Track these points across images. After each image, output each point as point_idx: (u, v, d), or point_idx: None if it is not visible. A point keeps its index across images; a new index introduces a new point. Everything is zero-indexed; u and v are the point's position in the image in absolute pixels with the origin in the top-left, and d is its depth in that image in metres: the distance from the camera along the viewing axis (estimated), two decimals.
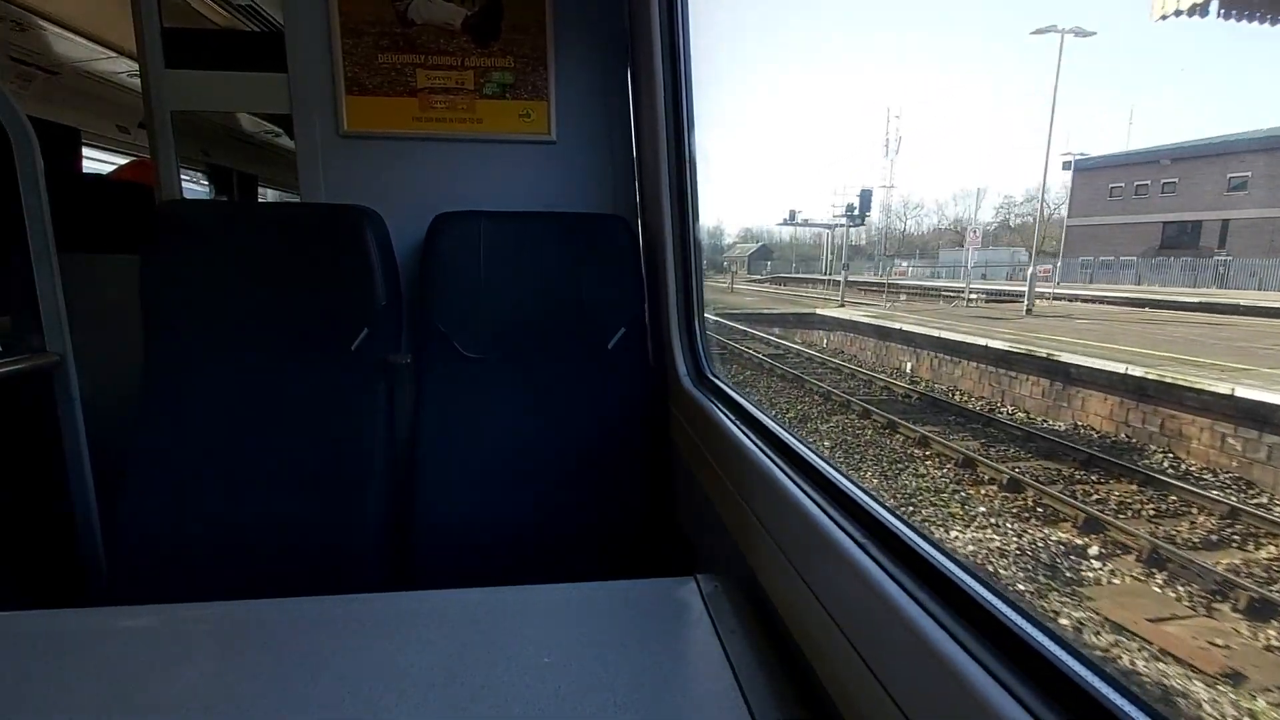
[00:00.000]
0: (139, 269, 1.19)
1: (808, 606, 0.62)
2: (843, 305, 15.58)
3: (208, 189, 3.69)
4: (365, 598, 0.81)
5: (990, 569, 3.65)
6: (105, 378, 1.34)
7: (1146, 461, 5.06)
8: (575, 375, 1.35)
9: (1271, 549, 3.64)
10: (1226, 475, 4.65)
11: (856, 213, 24.14)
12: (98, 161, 3.22)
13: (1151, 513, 4.18)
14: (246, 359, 1.22)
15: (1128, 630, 3.01)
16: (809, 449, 0.80)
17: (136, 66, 1.38)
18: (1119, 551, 3.74)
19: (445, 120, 1.42)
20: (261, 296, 1.23)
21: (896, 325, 9.68)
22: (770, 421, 0.91)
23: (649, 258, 1.42)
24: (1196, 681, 2.65)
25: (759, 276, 34.47)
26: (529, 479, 1.30)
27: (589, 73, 1.46)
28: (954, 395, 7.71)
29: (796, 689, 0.64)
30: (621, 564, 1.29)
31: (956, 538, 4.04)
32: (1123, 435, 5.63)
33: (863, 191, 24.55)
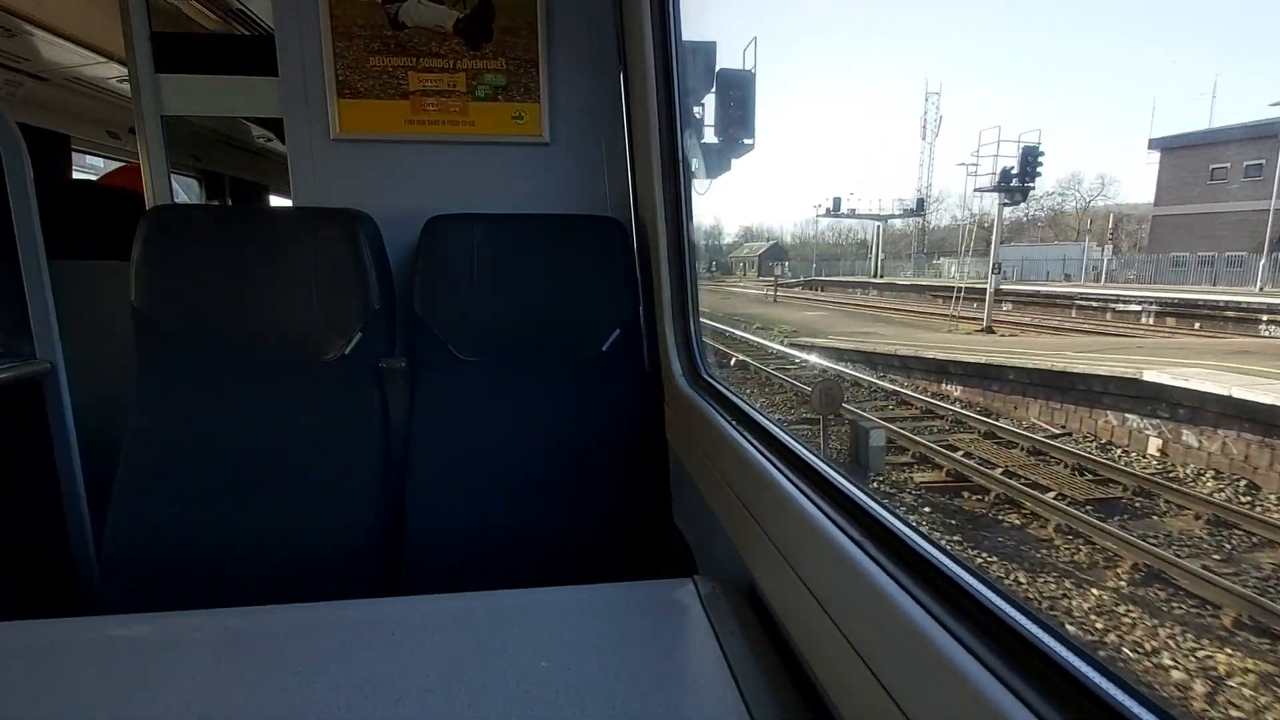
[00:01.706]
0: (129, 275, 1.28)
1: (806, 607, 0.67)
2: (990, 330, 12.56)
3: (198, 195, 3.89)
4: (360, 603, 0.86)
5: None
6: (97, 385, 1.47)
7: None
8: (571, 377, 1.44)
9: None
10: None
11: (1015, 181, 15.53)
12: (86, 172, 3.45)
13: None
14: (239, 365, 1.31)
15: None
16: (806, 449, 0.85)
17: (126, 72, 1.51)
18: None
19: (437, 123, 1.54)
20: (254, 302, 1.32)
21: None
22: (767, 422, 0.97)
23: (643, 259, 1.52)
24: None
25: (789, 280, 32.61)
26: (525, 482, 1.38)
27: (581, 74, 1.57)
28: None
29: (795, 690, 0.69)
30: (619, 566, 1.37)
31: None
32: None
33: (1025, 149, 15.52)
